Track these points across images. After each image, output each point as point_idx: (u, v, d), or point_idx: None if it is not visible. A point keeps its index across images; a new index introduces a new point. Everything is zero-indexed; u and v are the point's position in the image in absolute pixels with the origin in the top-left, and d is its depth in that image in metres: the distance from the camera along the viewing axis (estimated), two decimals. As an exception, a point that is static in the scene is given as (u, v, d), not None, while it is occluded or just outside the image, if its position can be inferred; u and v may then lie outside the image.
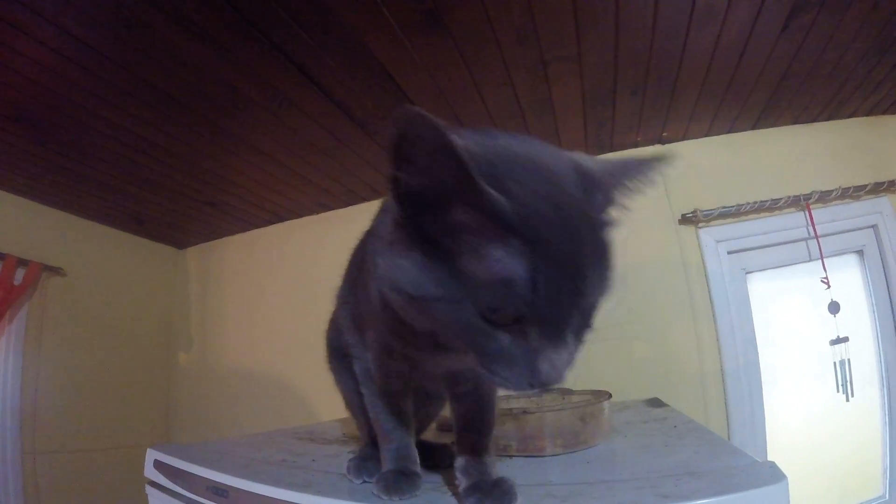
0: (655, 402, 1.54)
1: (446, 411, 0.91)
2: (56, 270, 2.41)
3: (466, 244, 0.48)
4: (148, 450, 1.27)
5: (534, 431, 0.93)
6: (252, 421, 2.60)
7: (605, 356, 2.03)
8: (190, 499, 1.08)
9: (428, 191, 0.49)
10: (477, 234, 0.47)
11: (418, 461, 0.79)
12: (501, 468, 0.87)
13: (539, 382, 0.50)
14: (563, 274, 0.47)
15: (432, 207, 0.49)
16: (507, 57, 1.53)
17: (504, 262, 0.46)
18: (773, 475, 0.65)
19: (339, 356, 0.95)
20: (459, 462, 0.75)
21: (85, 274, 2.57)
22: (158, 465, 1.21)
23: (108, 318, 2.68)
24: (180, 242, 3.12)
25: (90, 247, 2.64)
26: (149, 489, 1.23)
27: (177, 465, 1.16)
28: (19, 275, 2.24)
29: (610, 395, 1.03)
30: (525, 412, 0.94)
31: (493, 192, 0.45)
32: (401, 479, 0.74)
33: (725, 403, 1.98)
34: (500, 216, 0.46)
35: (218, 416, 2.82)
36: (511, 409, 0.97)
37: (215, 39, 1.39)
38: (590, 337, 0.54)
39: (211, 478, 1.03)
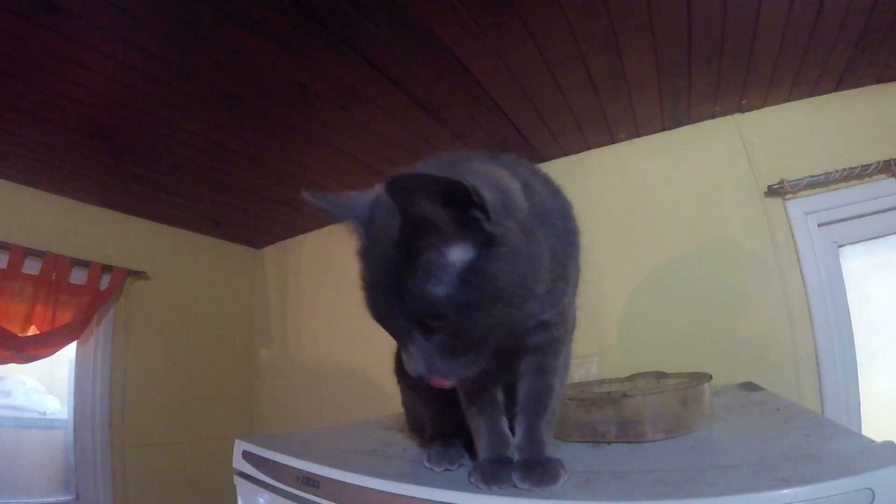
0: (750, 386, 1.48)
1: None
2: (140, 274, 2.57)
3: None
4: (236, 441, 1.29)
5: (634, 416, 0.90)
6: (334, 413, 2.67)
7: (692, 338, 2.01)
8: (279, 489, 1.09)
9: None
10: None
11: (512, 444, 0.79)
12: (599, 455, 0.87)
13: (411, 372, 0.63)
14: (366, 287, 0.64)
15: None
16: (577, 30, 1.50)
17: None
18: (896, 455, 0.63)
19: None
20: (516, 440, 0.78)
21: (168, 277, 2.71)
22: (247, 455, 1.23)
23: (191, 318, 2.81)
24: (257, 242, 3.23)
25: (172, 251, 2.78)
26: (237, 480, 1.25)
27: (266, 456, 1.18)
28: (105, 280, 2.40)
29: (710, 377, 0.98)
30: (625, 395, 0.91)
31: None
32: (498, 468, 0.73)
33: (819, 387, 1.90)
34: None
35: (300, 409, 2.90)
36: (610, 393, 0.94)
37: (280, 38, 1.42)
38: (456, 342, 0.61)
39: (301, 468, 1.04)
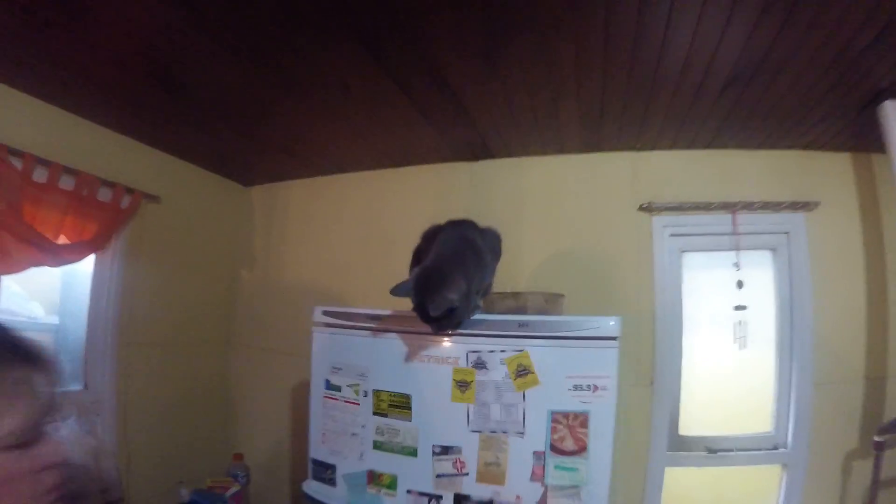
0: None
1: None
2: (154, 198, 2.73)
3: None
4: (315, 307, 2.09)
5: (522, 304, 1.72)
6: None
7: (569, 292, 2.15)
8: (351, 326, 1.86)
9: None
10: None
11: None
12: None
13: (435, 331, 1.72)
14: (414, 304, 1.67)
15: None
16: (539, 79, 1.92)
17: None
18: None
19: None
20: None
21: (174, 202, 2.90)
22: (326, 313, 2.03)
23: (188, 241, 3.08)
24: (246, 181, 3.43)
25: (176, 179, 2.98)
26: (315, 330, 2.02)
27: (340, 309, 1.97)
28: (126, 201, 2.55)
29: (563, 296, 1.79)
30: (518, 294, 1.75)
31: None
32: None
33: (654, 344, 2.45)
34: None
35: (273, 323, 3.27)
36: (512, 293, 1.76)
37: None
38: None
39: (369, 312, 1.84)
